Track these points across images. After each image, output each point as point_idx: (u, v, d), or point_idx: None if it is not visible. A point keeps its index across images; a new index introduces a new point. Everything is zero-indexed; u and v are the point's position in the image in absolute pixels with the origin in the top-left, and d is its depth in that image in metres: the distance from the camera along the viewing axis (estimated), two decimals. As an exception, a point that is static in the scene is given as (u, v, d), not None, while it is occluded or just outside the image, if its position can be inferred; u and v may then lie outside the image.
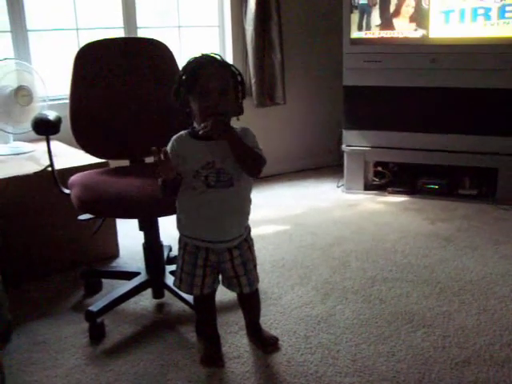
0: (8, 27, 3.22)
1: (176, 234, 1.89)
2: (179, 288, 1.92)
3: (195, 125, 1.78)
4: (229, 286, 1.92)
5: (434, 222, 3.26)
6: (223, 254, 1.83)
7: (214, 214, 1.76)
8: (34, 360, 1.99)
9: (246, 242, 1.88)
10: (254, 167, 1.74)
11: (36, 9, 3.32)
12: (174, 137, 1.80)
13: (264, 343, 2.02)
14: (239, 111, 1.82)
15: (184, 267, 1.87)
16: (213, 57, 1.77)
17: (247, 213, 1.86)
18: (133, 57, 2.44)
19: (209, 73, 1.72)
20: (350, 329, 2.13)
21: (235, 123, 1.81)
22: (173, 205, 1.86)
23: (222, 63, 1.77)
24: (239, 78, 1.79)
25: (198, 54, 1.78)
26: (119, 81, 2.41)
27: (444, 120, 3.57)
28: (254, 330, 2.06)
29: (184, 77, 1.75)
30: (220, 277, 1.93)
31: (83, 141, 2.35)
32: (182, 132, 1.81)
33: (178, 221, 1.86)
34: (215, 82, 1.71)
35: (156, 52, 2.47)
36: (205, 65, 1.74)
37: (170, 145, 1.79)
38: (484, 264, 2.67)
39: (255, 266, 1.93)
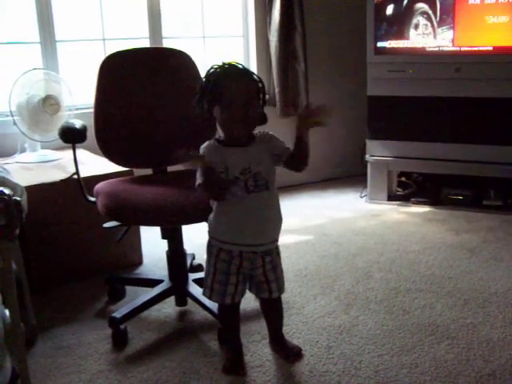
0: (38, 38, 3.30)
1: (200, 242, 1.90)
2: (210, 298, 1.90)
3: (220, 133, 1.80)
4: (258, 292, 1.92)
5: (458, 233, 3.23)
6: (256, 260, 1.83)
7: (255, 218, 1.78)
8: (57, 365, 2.01)
9: (275, 248, 1.89)
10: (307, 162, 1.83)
11: (64, 20, 3.39)
12: (204, 146, 1.80)
13: (287, 353, 2.01)
14: (262, 119, 1.84)
15: (216, 276, 1.85)
16: (237, 66, 1.78)
17: (281, 216, 1.87)
18: (157, 66, 2.47)
19: (234, 83, 1.72)
20: (373, 339, 2.11)
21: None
22: (198, 213, 1.87)
23: (246, 72, 1.78)
24: (260, 85, 1.79)
25: (219, 63, 1.78)
26: (143, 90, 2.44)
27: (469, 130, 3.54)
28: (277, 339, 2.06)
29: (208, 86, 1.75)
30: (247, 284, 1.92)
31: (107, 149, 2.38)
32: (208, 141, 1.81)
33: (215, 227, 1.84)
34: (241, 92, 1.72)
35: (180, 62, 2.49)
36: (229, 75, 1.75)
37: (202, 153, 1.78)
38: (509, 276, 2.62)
39: (282, 271, 1.93)
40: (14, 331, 1.62)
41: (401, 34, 3.56)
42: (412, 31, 3.53)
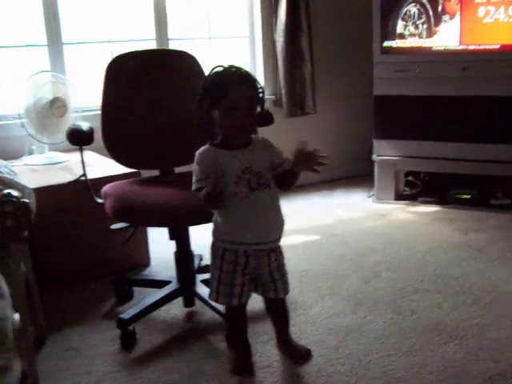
0: (45, 41, 3.32)
1: (207, 242, 1.90)
2: (216, 301, 1.89)
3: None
4: (264, 291, 1.91)
5: (465, 232, 3.21)
6: (262, 258, 1.83)
7: (260, 216, 1.78)
8: (66, 366, 2.02)
9: (279, 246, 1.89)
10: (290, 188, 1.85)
11: (71, 22, 3.40)
12: (200, 152, 1.79)
13: (296, 355, 1.98)
14: (269, 119, 1.84)
15: (222, 277, 1.84)
16: (243, 72, 1.77)
17: (283, 215, 1.87)
18: (164, 68, 2.48)
19: (239, 91, 1.72)
20: (381, 340, 2.11)
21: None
22: (206, 214, 1.87)
23: (251, 80, 1.77)
24: (261, 95, 1.79)
25: (224, 65, 1.77)
26: (149, 92, 2.44)
27: (476, 129, 3.53)
28: (285, 341, 2.03)
29: (211, 88, 1.75)
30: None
31: (114, 151, 2.39)
32: (204, 147, 1.80)
33: (220, 228, 1.83)
34: (245, 101, 1.72)
35: (186, 63, 2.50)
36: (236, 81, 1.74)
37: (200, 159, 1.78)
38: (518, 275, 2.62)
39: (286, 272, 1.93)
40: (23, 333, 1.63)
41: (407, 33, 3.55)
42: (418, 30, 3.52)
